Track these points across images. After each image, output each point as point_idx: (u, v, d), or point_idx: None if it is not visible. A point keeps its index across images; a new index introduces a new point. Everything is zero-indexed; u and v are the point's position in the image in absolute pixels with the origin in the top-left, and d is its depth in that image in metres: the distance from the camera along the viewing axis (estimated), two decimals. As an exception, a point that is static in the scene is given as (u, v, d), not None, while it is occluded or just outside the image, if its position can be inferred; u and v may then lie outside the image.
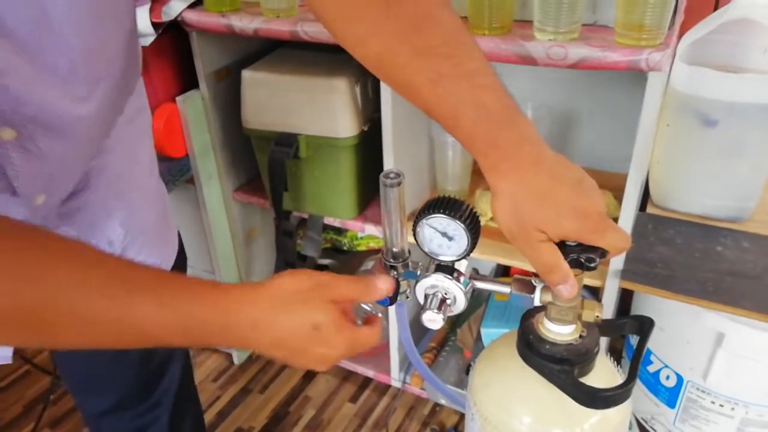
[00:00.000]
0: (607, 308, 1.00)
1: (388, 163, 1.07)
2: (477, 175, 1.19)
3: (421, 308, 0.56)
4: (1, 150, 0.49)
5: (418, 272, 0.58)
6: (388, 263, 0.59)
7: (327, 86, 1.05)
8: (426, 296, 0.57)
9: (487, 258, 1.07)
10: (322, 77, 1.05)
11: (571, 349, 0.54)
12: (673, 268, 0.93)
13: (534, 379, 0.54)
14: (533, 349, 0.55)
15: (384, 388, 1.48)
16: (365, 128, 1.10)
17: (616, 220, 0.98)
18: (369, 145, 1.12)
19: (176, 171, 1.20)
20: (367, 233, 1.24)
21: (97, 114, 0.57)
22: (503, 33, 0.89)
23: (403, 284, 0.60)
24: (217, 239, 1.34)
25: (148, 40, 1.04)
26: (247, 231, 1.41)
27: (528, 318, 0.58)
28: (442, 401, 1.40)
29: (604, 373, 0.57)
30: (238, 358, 1.56)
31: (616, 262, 0.95)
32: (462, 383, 1.29)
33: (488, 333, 1.23)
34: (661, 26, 0.79)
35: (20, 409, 1.45)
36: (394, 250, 0.59)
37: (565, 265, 0.50)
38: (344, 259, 1.57)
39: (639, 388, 1.15)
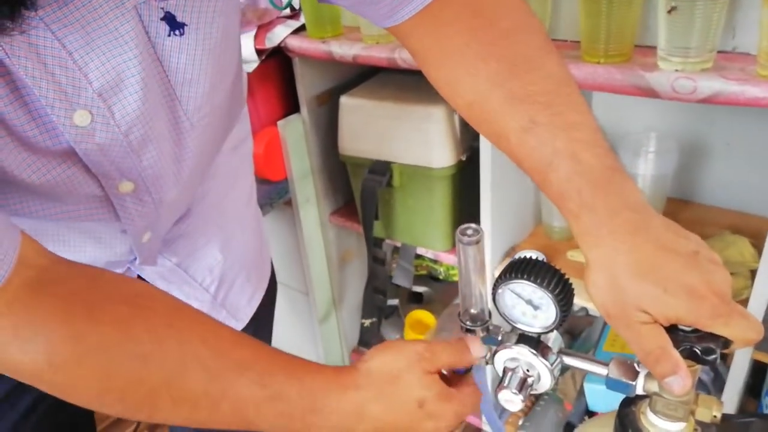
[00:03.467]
0: (738, 379, 0.85)
1: (485, 196, 1.00)
2: (586, 211, 1.09)
3: (499, 384, 0.50)
4: (118, 200, 0.52)
5: (500, 338, 0.52)
6: (464, 326, 0.53)
7: (423, 114, 1.00)
8: (505, 370, 0.50)
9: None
10: (419, 104, 1.01)
11: (679, 453, 0.45)
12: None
13: None
14: (632, 447, 0.46)
15: (475, 430, 1.39)
16: (463, 158, 1.04)
17: (753, 272, 0.84)
18: (467, 175, 1.05)
19: (275, 194, 1.22)
20: (461, 266, 1.17)
21: (202, 154, 0.58)
22: (622, 61, 0.79)
23: (484, 348, 0.54)
24: (312, 261, 1.34)
25: (251, 67, 1.06)
26: (341, 254, 1.40)
27: (628, 405, 0.49)
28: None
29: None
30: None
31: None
32: (559, 437, 1.18)
33: (592, 389, 1.11)
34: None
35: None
36: (472, 311, 0.53)
37: (675, 353, 0.41)
38: (439, 287, 1.51)
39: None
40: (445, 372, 0.52)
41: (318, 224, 1.32)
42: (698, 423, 0.46)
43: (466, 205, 1.10)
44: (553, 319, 0.47)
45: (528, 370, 0.49)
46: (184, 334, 0.39)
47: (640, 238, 0.40)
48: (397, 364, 0.44)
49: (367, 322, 1.30)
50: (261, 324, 0.81)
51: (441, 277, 1.47)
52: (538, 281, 0.46)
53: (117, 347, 0.37)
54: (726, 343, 0.41)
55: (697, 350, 0.41)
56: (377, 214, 1.12)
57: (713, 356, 0.42)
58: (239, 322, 0.74)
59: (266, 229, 1.42)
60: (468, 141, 1.05)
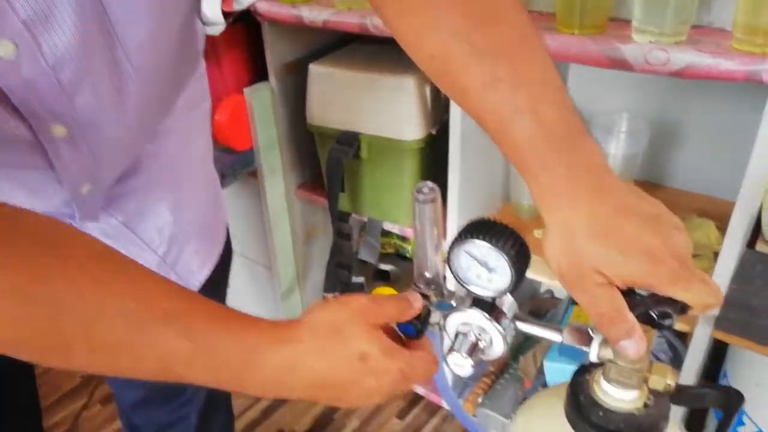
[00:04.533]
0: (696, 359, 0.85)
1: (454, 172, 0.98)
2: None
3: (450, 349, 0.48)
4: (51, 146, 0.49)
5: (454, 303, 0.50)
6: (418, 290, 0.51)
7: (394, 84, 0.98)
8: (456, 335, 0.49)
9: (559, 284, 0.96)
10: (390, 75, 0.98)
11: (630, 421, 0.44)
12: (783, 322, 0.77)
13: None
14: (583, 414, 0.45)
15: (435, 409, 1.39)
16: (433, 131, 1.02)
17: (716, 255, 0.84)
18: (436, 150, 1.03)
19: (239, 164, 1.18)
20: (428, 243, 1.16)
21: (147, 105, 0.54)
22: (596, 33, 0.77)
23: (437, 315, 0.52)
24: (277, 234, 1.31)
25: (217, 30, 1.02)
26: (307, 229, 1.37)
27: (582, 374, 0.48)
28: (497, 432, 1.29)
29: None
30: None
31: (710, 308, 0.80)
32: (519, 417, 1.18)
33: (552, 367, 1.11)
34: (793, 31, 0.64)
35: (78, 381, 1.51)
36: (427, 275, 0.51)
37: (630, 316, 0.40)
38: (406, 266, 1.49)
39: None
40: (402, 336, 0.50)
41: (284, 197, 1.28)
42: (651, 392, 0.46)
43: (434, 180, 1.08)
44: (508, 282, 0.45)
45: (480, 335, 0.48)
46: (105, 281, 0.36)
47: (599, 200, 0.39)
48: (339, 315, 0.42)
49: (329, 297, 1.28)
50: (214, 292, 0.78)
51: (408, 256, 1.45)
52: (493, 241, 0.44)
53: (28, 292, 0.34)
54: (683, 308, 0.40)
55: (653, 314, 0.40)
56: (343, 186, 1.09)
57: (669, 321, 0.41)
58: (190, 288, 0.71)
59: (229, 201, 1.39)
60: (439, 115, 1.03)
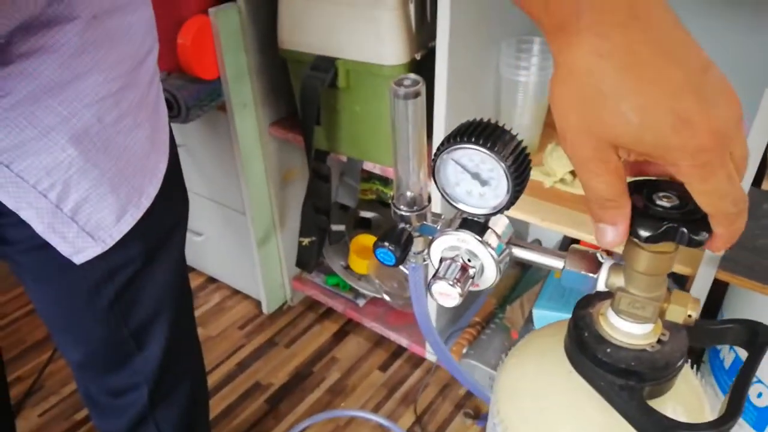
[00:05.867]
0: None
1: (440, 103, 0.90)
2: (550, 128, 1.00)
3: (433, 275, 0.41)
4: None
5: (438, 227, 0.42)
6: (398, 211, 0.44)
7: (372, 0, 0.87)
8: (442, 260, 0.41)
9: (550, 227, 0.89)
10: (370, -10, 0.88)
11: (643, 359, 0.37)
12: (792, 262, 0.72)
13: (583, 393, 0.38)
14: (588, 351, 0.39)
15: (418, 361, 1.34)
16: (417, 57, 0.93)
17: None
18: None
19: (205, 95, 1.08)
20: (412, 185, 1.08)
21: None
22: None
23: (420, 242, 0.45)
24: (250, 177, 1.22)
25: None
26: (283, 172, 1.28)
27: (586, 306, 0.41)
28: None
29: (684, 396, 0.40)
30: (267, 307, 1.47)
31: (715, 248, 0.74)
32: (504, 367, 1.13)
33: (541, 315, 1.05)
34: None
35: (43, 333, 1.44)
36: (409, 194, 0.43)
37: (628, 202, 0.32)
38: (388, 213, 1.42)
39: (719, 402, 0.95)
40: None
41: (257, 135, 1.19)
42: (667, 326, 0.39)
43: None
44: (504, 196, 0.38)
45: (469, 260, 0.40)
46: None
47: (635, 33, 0.28)
48: None
49: (305, 241, 1.20)
50: (162, 256, 0.69)
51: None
52: (488, 146, 0.36)
53: None
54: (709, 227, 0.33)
55: (684, 231, 0.33)
56: (319, 119, 1.00)
57: (696, 243, 0.33)
58: (100, 244, 0.60)
59: (197, 138, 1.29)
60: (424, 38, 0.94)
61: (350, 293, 1.38)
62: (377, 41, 0.89)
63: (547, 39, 0.31)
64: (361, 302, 1.37)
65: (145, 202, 0.64)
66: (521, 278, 1.29)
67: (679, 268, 0.79)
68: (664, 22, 0.28)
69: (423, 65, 0.93)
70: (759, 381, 0.87)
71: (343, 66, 0.94)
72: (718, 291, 0.91)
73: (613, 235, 0.33)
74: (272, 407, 1.27)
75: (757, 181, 0.86)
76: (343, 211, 1.36)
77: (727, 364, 0.93)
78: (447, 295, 0.40)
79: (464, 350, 1.17)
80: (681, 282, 0.92)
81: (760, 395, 0.88)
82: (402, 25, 0.88)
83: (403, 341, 1.31)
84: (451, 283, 0.39)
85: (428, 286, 0.41)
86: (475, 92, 0.96)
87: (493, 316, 1.25)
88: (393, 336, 1.32)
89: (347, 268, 1.36)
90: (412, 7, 0.88)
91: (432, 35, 0.91)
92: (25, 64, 0.51)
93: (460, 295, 0.40)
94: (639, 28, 0.28)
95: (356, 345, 1.39)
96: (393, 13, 0.87)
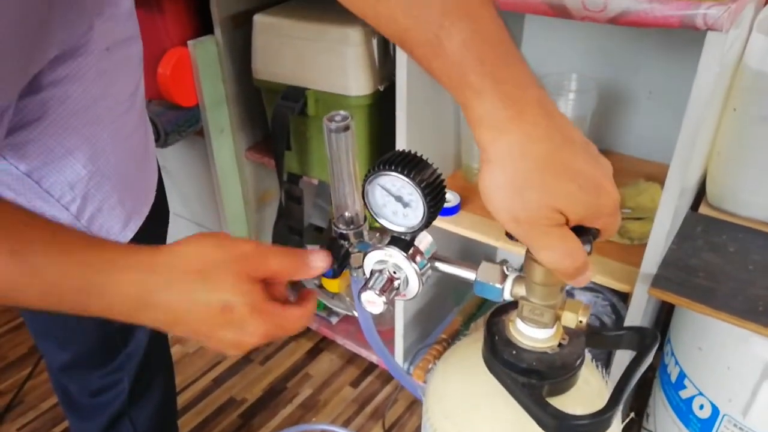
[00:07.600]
0: (635, 319, 0.85)
1: (401, 132, 0.96)
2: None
3: (363, 285, 0.46)
4: None
5: (372, 243, 0.48)
6: (338, 230, 0.49)
7: (340, 36, 0.94)
8: (372, 273, 0.47)
9: (504, 247, 0.95)
10: (336, 25, 0.95)
11: (543, 360, 0.43)
12: (719, 279, 0.78)
13: (498, 393, 0.43)
14: (498, 354, 0.44)
15: (388, 377, 1.38)
16: (381, 88, 0.99)
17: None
18: (384, 109, 1.01)
19: (183, 121, 1.14)
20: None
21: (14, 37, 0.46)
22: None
23: (359, 257, 0.50)
24: (227, 199, 1.28)
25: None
26: (260, 194, 1.34)
27: (500, 314, 0.47)
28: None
29: (588, 394, 0.45)
30: (244, 325, 1.50)
31: (650, 265, 0.81)
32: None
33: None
34: (732, -21, 0.63)
35: (25, 350, 1.46)
36: (346, 215, 0.49)
37: (585, 252, 0.37)
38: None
39: (668, 414, 1.00)
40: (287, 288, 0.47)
41: (233, 159, 1.25)
42: (567, 332, 0.45)
43: (382, 142, 1.06)
44: (420, 218, 0.43)
45: (395, 273, 0.46)
46: None
47: (549, 124, 0.34)
48: (212, 256, 0.38)
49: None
50: None
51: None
52: (406, 173, 0.42)
53: None
54: (595, 234, 0.38)
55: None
56: (289, 144, 1.06)
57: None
58: None
59: (176, 162, 1.34)
60: (387, 71, 1.00)
61: (324, 311, 1.43)
62: (343, 74, 0.96)
63: (476, 129, 0.36)
64: (334, 320, 1.42)
65: (145, 210, 0.70)
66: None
67: (619, 286, 0.85)
68: (561, 116, 0.35)
69: (386, 96, 1.00)
70: (700, 394, 0.92)
71: (312, 95, 1.00)
72: (665, 315, 0.96)
73: (588, 278, 0.38)
74: (245, 422, 1.30)
75: (695, 206, 0.93)
76: (318, 232, 1.41)
77: (674, 378, 0.98)
78: (373, 302, 0.45)
79: (430, 366, 1.21)
80: (623, 298, 0.98)
81: (702, 407, 0.93)
82: (366, 60, 0.95)
83: (374, 358, 1.35)
84: (377, 292, 0.45)
85: (358, 295, 0.46)
86: (436, 118, 1.02)
87: (458, 333, 1.30)
88: (364, 353, 1.36)
89: (321, 286, 1.40)
90: (374, 42, 0.95)
91: (395, 67, 0.98)
92: (54, 90, 0.57)
93: (385, 304, 0.45)
94: (552, 121, 0.34)
95: (329, 362, 1.43)
96: (357, 48, 0.94)
